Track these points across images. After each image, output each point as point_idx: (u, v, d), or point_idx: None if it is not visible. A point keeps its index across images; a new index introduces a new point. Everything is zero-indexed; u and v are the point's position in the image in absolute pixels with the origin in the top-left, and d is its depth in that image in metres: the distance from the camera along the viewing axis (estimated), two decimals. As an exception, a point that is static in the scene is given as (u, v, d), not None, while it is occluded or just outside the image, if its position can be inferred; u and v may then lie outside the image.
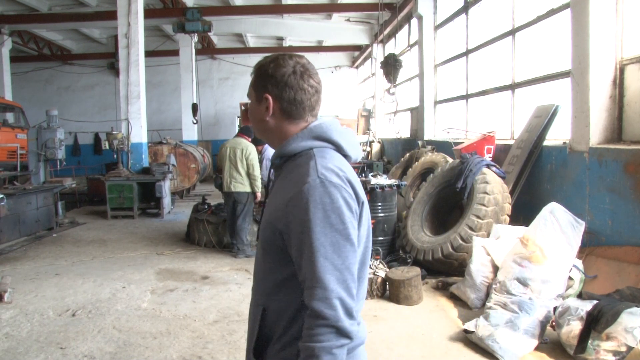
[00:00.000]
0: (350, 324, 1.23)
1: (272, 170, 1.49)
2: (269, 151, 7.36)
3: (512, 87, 6.90)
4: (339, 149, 1.40)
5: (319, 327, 1.22)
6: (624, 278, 3.95)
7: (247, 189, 6.44)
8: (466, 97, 8.78)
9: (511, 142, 6.38)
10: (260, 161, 7.54)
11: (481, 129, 7.41)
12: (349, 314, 1.24)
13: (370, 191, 5.89)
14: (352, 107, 20.06)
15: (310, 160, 1.32)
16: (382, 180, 6.22)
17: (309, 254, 1.23)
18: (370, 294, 4.76)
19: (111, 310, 4.55)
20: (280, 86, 1.38)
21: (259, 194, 6.54)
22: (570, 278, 4.02)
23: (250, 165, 6.39)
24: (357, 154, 1.46)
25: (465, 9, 8.69)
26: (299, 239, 1.25)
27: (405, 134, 12.32)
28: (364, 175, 6.72)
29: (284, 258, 1.33)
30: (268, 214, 1.38)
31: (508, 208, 5.19)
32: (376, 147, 13.73)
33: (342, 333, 1.22)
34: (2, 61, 14.27)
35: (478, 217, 5.01)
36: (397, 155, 11.94)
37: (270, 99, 1.39)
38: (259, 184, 6.50)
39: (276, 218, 1.31)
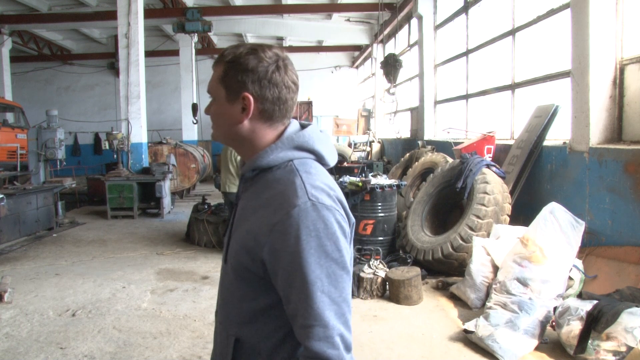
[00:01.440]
0: (350, 358, 1.12)
1: (241, 183, 1.29)
2: None
3: (512, 87, 6.90)
4: (320, 159, 1.24)
5: None
6: (624, 278, 3.95)
7: None
8: (466, 97, 8.79)
9: (511, 142, 6.38)
10: None
11: (481, 129, 7.42)
12: (349, 348, 1.12)
13: (370, 191, 5.89)
14: (352, 107, 20.08)
15: (295, 177, 1.15)
16: (382, 180, 6.22)
17: (302, 287, 1.08)
18: (370, 294, 4.76)
19: (111, 310, 4.55)
20: (263, 83, 1.18)
21: None
22: (570, 278, 4.02)
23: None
24: (335, 160, 1.31)
25: (465, 9, 8.70)
26: (289, 270, 1.09)
27: (405, 134, 12.32)
28: (364, 175, 6.72)
29: (263, 286, 1.17)
30: (242, 237, 1.18)
31: (508, 208, 5.19)
32: (376, 147, 13.74)
33: None
34: (2, 61, 14.28)
35: (478, 217, 5.01)
36: (397, 155, 11.94)
37: (251, 98, 1.18)
38: None
39: (256, 244, 1.13)
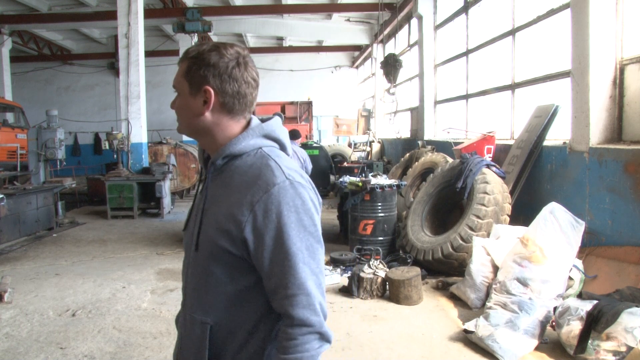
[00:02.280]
0: (327, 327, 1.21)
1: (209, 171, 1.33)
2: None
3: (512, 87, 6.90)
4: (282, 148, 1.33)
5: (304, 336, 1.17)
6: (624, 278, 3.95)
7: None
8: (466, 97, 8.79)
9: (511, 142, 6.38)
10: None
11: (481, 129, 7.41)
12: (325, 316, 1.22)
13: (370, 191, 5.89)
14: (352, 107, 20.08)
15: (269, 160, 1.24)
16: (382, 180, 6.22)
17: (285, 259, 1.16)
18: (370, 294, 4.76)
19: (111, 310, 4.55)
20: (223, 78, 1.25)
21: None
22: (570, 278, 4.02)
23: None
24: (290, 152, 1.40)
25: (465, 9, 8.70)
26: (271, 244, 1.17)
27: (405, 134, 12.32)
28: (364, 175, 6.72)
29: (239, 268, 1.23)
30: (218, 221, 1.23)
31: (508, 208, 5.19)
32: (376, 147, 13.73)
33: (325, 338, 1.21)
34: (2, 61, 14.26)
35: (478, 217, 5.01)
36: (397, 155, 11.94)
37: (212, 91, 1.25)
38: None
39: (236, 225, 1.19)
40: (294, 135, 7.33)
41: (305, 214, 1.20)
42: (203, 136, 1.31)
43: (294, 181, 1.21)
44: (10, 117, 12.17)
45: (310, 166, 7.04)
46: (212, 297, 1.27)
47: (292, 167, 1.26)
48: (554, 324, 3.62)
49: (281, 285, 1.18)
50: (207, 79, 1.25)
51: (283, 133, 1.34)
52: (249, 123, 1.32)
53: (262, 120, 1.35)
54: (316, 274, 1.20)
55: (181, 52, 12.46)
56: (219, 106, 1.27)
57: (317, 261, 1.22)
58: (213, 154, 1.31)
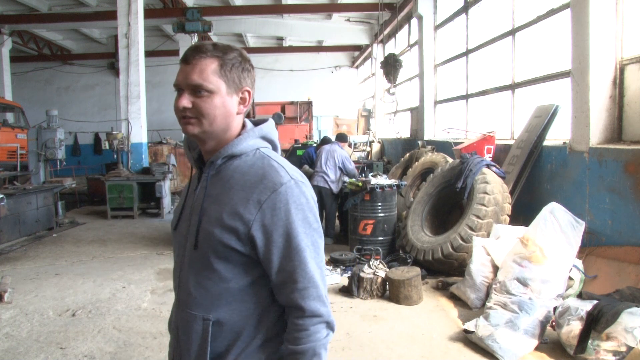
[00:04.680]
0: (333, 316, 1.29)
1: (207, 171, 1.32)
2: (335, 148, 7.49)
3: (512, 87, 6.90)
4: (274, 149, 1.39)
5: (316, 325, 1.24)
6: (624, 278, 3.95)
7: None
8: (466, 97, 8.78)
9: (511, 142, 6.38)
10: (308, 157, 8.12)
11: (481, 129, 7.41)
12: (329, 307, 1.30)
13: (370, 191, 5.89)
14: (352, 107, 20.07)
15: (271, 161, 1.28)
16: (382, 180, 6.22)
17: (296, 255, 1.23)
18: (370, 294, 4.76)
19: (111, 310, 4.55)
20: (253, 80, 1.34)
21: None
22: (570, 278, 4.02)
23: None
24: (279, 153, 1.43)
25: (465, 9, 8.69)
26: (282, 241, 1.22)
27: (405, 134, 12.32)
28: (364, 175, 6.72)
29: (243, 264, 1.26)
30: (222, 219, 1.23)
31: (508, 208, 5.19)
32: (376, 147, 13.71)
33: (331, 327, 1.28)
34: (2, 61, 14.25)
35: (478, 217, 5.01)
36: (397, 155, 11.94)
37: (251, 92, 1.33)
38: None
39: (243, 223, 1.22)
40: (341, 138, 7.89)
41: (310, 212, 1.26)
42: (220, 135, 1.30)
43: (298, 181, 1.26)
44: (10, 117, 12.16)
45: (351, 166, 7.32)
46: (215, 294, 1.28)
47: (292, 167, 1.31)
48: (554, 324, 3.63)
49: (290, 280, 1.23)
50: (246, 80, 1.31)
51: (276, 134, 1.40)
52: (245, 123, 1.38)
53: (255, 123, 1.40)
54: (320, 268, 1.28)
55: (181, 52, 12.28)
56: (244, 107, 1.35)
57: (321, 256, 1.29)
58: (210, 154, 1.32)
